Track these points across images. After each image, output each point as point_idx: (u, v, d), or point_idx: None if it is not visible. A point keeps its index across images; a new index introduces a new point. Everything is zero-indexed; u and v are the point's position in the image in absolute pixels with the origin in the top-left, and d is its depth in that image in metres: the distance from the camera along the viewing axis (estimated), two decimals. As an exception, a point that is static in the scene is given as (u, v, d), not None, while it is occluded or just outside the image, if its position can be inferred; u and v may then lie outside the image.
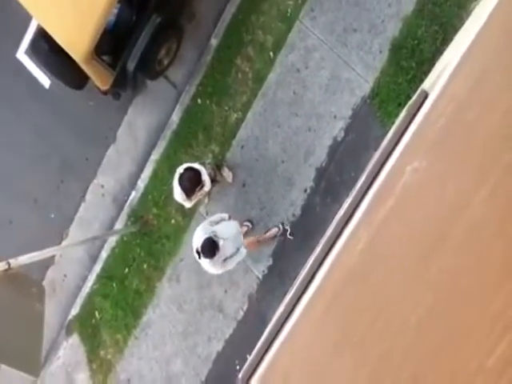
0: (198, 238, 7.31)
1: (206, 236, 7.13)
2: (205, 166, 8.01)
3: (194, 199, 7.97)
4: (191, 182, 7.60)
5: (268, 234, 8.35)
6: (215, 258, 7.14)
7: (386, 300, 2.62)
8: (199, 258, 7.24)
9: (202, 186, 7.84)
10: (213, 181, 8.18)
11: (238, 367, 8.36)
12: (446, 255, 2.47)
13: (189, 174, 7.61)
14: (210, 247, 7.09)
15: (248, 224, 8.46)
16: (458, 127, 2.70)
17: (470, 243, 2.45)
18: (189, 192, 7.68)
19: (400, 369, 2.42)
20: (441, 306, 2.41)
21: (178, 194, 7.79)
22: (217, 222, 7.58)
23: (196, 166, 7.79)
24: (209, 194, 8.53)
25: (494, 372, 2.17)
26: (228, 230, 7.43)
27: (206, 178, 7.81)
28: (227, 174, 8.63)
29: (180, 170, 7.71)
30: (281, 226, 8.35)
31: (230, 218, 7.83)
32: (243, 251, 7.60)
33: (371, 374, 2.50)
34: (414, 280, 2.53)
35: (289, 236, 8.26)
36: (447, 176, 2.67)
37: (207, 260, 7.20)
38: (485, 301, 2.28)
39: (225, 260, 7.38)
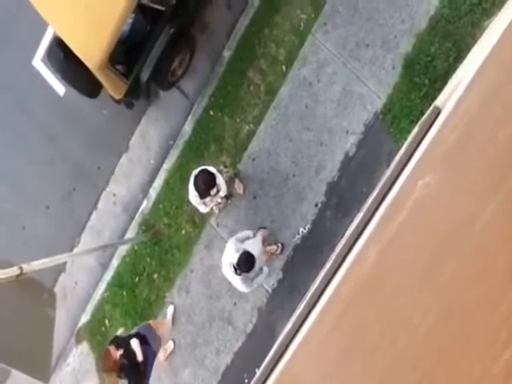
0: (230, 254, 7.26)
1: (242, 251, 7.11)
2: (221, 174, 7.99)
3: (210, 204, 7.99)
4: (206, 184, 7.59)
5: (268, 248, 8.30)
6: (250, 273, 7.15)
7: (396, 311, 2.65)
8: (236, 273, 7.16)
9: (218, 191, 7.82)
10: (228, 196, 8.17)
11: (246, 381, 8.34)
12: (454, 266, 2.51)
13: (203, 175, 7.61)
14: (248, 261, 7.06)
15: (279, 245, 8.42)
16: (469, 142, 2.73)
17: (478, 254, 2.49)
18: (203, 193, 7.67)
19: (407, 376, 2.46)
20: (448, 315, 2.45)
21: (193, 197, 7.82)
22: (243, 240, 7.55)
23: (211, 168, 7.78)
24: (224, 203, 8.55)
25: (499, 378, 2.20)
26: (255, 248, 7.41)
27: (221, 181, 7.80)
28: (238, 185, 8.64)
29: (195, 172, 7.72)
30: (280, 245, 8.36)
31: (254, 235, 7.82)
32: (266, 270, 7.68)
33: (379, 383, 2.54)
34: (423, 291, 2.57)
35: (299, 235, 8.22)
36: (458, 190, 2.71)
37: (239, 277, 7.19)
38: (491, 309, 2.32)
39: (252, 279, 7.43)
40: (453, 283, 2.48)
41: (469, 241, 2.53)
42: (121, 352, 7.70)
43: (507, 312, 2.29)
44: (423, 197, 2.76)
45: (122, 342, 7.91)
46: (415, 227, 2.79)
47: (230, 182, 8.31)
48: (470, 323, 2.38)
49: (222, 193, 7.92)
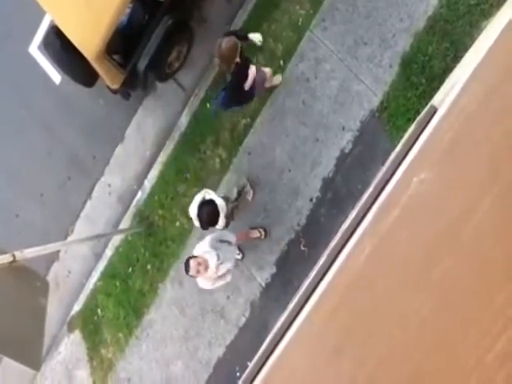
0: (202, 247, 7.44)
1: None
2: (227, 202, 7.86)
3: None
4: (209, 217, 7.42)
5: (251, 234, 8.42)
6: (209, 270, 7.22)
7: (390, 304, 2.68)
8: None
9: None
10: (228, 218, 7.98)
11: (238, 374, 8.38)
12: (449, 260, 2.54)
13: (209, 207, 7.43)
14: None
15: (261, 231, 8.51)
16: (465, 140, 2.76)
17: (473, 248, 2.53)
18: (204, 225, 7.51)
19: (401, 366, 2.49)
20: (443, 308, 2.48)
21: (194, 216, 7.63)
22: (222, 241, 7.62)
23: (219, 201, 7.58)
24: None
25: (492, 367, 2.25)
26: (227, 255, 7.53)
27: (221, 219, 7.56)
28: (248, 191, 8.56)
29: (205, 196, 7.58)
30: (262, 231, 8.43)
31: (235, 243, 7.93)
32: (228, 277, 7.74)
33: (371, 374, 2.57)
34: (418, 284, 2.60)
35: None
36: (453, 187, 2.73)
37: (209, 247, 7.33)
38: (485, 302, 2.36)
39: (215, 278, 7.49)
40: (447, 276, 2.52)
41: (464, 235, 2.56)
42: (238, 60, 7.26)
43: (501, 304, 2.33)
44: (418, 193, 2.79)
45: (246, 59, 7.53)
46: (410, 222, 2.82)
47: (230, 214, 8.04)
48: (465, 316, 2.43)
49: (219, 226, 7.67)
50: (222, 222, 7.55)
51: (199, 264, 7.07)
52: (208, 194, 7.62)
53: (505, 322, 2.33)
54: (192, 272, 7.10)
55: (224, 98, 7.70)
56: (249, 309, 8.66)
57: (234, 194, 8.33)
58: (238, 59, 7.19)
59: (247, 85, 7.56)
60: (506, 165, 2.58)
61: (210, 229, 7.67)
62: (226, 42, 7.04)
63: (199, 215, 7.44)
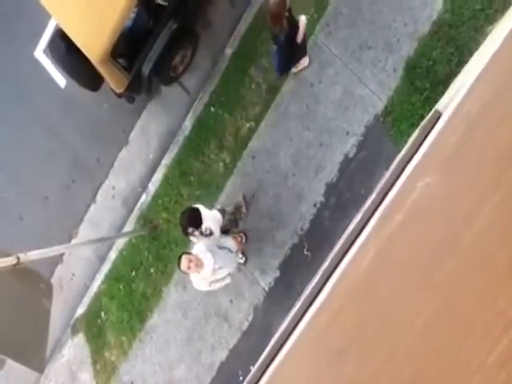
0: (198, 247, 7.40)
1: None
2: (224, 215, 7.85)
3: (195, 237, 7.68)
4: (188, 222, 7.31)
5: (236, 239, 8.34)
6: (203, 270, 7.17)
7: (392, 308, 2.69)
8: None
9: (211, 233, 7.51)
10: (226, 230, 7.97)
11: (241, 378, 8.36)
12: (452, 263, 2.55)
13: (190, 215, 7.34)
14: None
15: (242, 235, 8.52)
16: (469, 144, 2.76)
17: (476, 251, 2.53)
18: (183, 231, 7.43)
19: (403, 369, 2.49)
20: (445, 311, 2.49)
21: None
22: (222, 248, 7.56)
23: (205, 211, 7.52)
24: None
25: (494, 368, 2.25)
26: (226, 261, 7.51)
27: (208, 225, 7.44)
28: (242, 208, 8.54)
29: (193, 206, 7.61)
30: (243, 235, 8.45)
31: (236, 251, 7.89)
32: (227, 280, 7.71)
33: (373, 376, 2.57)
34: (420, 287, 2.60)
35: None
36: (457, 191, 2.74)
37: (195, 274, 7.25)
38: (488, 304, 2.36)
39: (211, 281, 7.46)
40: (450, 279, 2.53)
41: (467, 239, 2.56)
42: (287, 14, 7.02)
43: (503, 307, 2.33)
44: (422, 197, 2.79)
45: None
46: (414, 227, 2.82)
47: (236, 215, 8.07)
48: (467, 319, 2.43)
49: (216, 235, 7.59)
50: (213, 229, 7.51)
51: (190, 261, 7.03)
52: (196, 205, 7.64)
53: (506, 323, 2.33)
54: (183, 267, 7.07)
55: (279, 60, 7.70)
56: (252, 313, 8.65)
57: (231, 209, 8.34)
58: (287, 13, 7.01)
59: (300, 36, 7.45)
60: (510, 169, 2.58)
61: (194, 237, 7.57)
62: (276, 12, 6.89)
63: (181, 221, 7.39)
